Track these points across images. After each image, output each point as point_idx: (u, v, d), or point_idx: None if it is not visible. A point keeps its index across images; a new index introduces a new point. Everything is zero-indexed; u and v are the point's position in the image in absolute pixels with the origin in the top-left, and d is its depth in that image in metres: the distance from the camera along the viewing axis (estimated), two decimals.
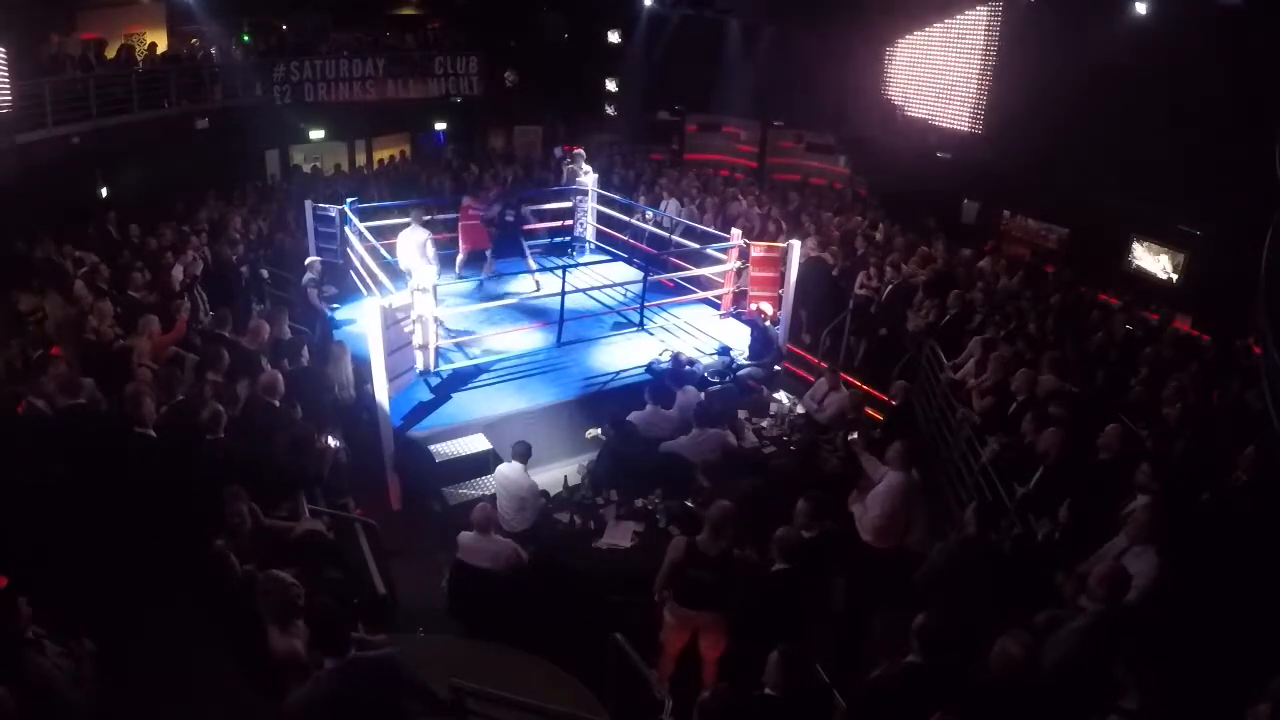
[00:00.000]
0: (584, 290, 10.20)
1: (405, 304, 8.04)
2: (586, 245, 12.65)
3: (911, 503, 5.77)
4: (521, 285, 10.64)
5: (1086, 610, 4.22)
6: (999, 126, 12.46)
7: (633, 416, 7.00)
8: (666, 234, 11.99)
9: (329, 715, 3.51)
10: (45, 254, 9.24)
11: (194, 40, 15.34)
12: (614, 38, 18.41)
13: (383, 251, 9.17)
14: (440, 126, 17.93)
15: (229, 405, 5.87)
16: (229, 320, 7.70)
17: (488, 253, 10.44)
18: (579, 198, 12.61)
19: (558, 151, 14.19)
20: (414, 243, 9.42)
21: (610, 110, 18.90)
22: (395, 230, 10.37)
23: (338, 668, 3.51)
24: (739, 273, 10.28)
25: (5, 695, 3.26)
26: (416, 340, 8.30)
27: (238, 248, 10.37)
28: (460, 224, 10.49)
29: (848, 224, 12.27)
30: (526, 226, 11.01)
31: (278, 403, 6.18)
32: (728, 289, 10.37)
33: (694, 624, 5.03)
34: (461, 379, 8.55)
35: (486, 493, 6.75)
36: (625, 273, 11.59)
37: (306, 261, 9.65)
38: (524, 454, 6.16)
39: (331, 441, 6.16)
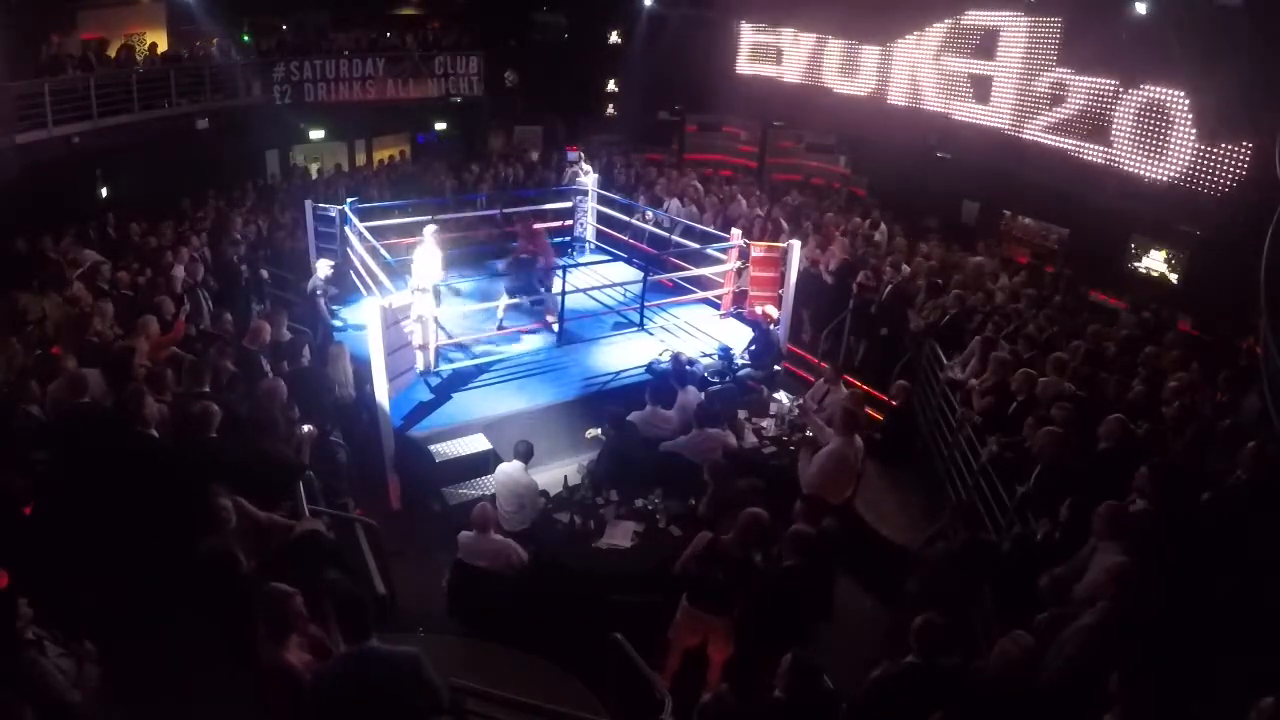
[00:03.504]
0: (584, 290, 10.20)
1: (405, 304, 8.04)
2: (586, 245, 12.66)
3: (851, 467, 6.17)
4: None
5: (1089, 609, 4.23)
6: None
7: (633, 416, 7.01)
8: (666, 234, 12.00)
9: (336, 696, 3.55)
10: (45, 254, 9.24)
11: (210, 40, 15.33)
12: (614, 38, 18.42)
13: (383, 251, 9.16)
14: (440, 126, 17.93)
15: (242, 403, 5.86)
16: (228, 322, 7.70)
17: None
18: (579, 198, 12.63)
19: (570, 155, 14.18)
20: (428, 259, 9.25)
21: (610, 110, 18.90)
22: (395, 230, 10.38)
23: (354, 653, 3.58)
24: (739, 273, 10.28)
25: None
26: (416, 340, 8.31)
27: (238, 248, 10.36)
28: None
29: (847, 224, 12.26)
30: None
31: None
32: (728, 289, 10.37)
33: (705, 627, 5.04)
34: (461, 379, 8.56)
35: (486, 493, 6.76)
36: (625, 273, 11.59)
37: (316, 264, 9.63)
38: (526, 454, 6.17)
39: (306, 428, 6.12)
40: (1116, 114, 10.64)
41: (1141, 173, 10.42)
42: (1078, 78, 11.14)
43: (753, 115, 16.65)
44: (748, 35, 16.43)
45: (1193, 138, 9.81)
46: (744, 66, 16.55)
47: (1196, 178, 9.86)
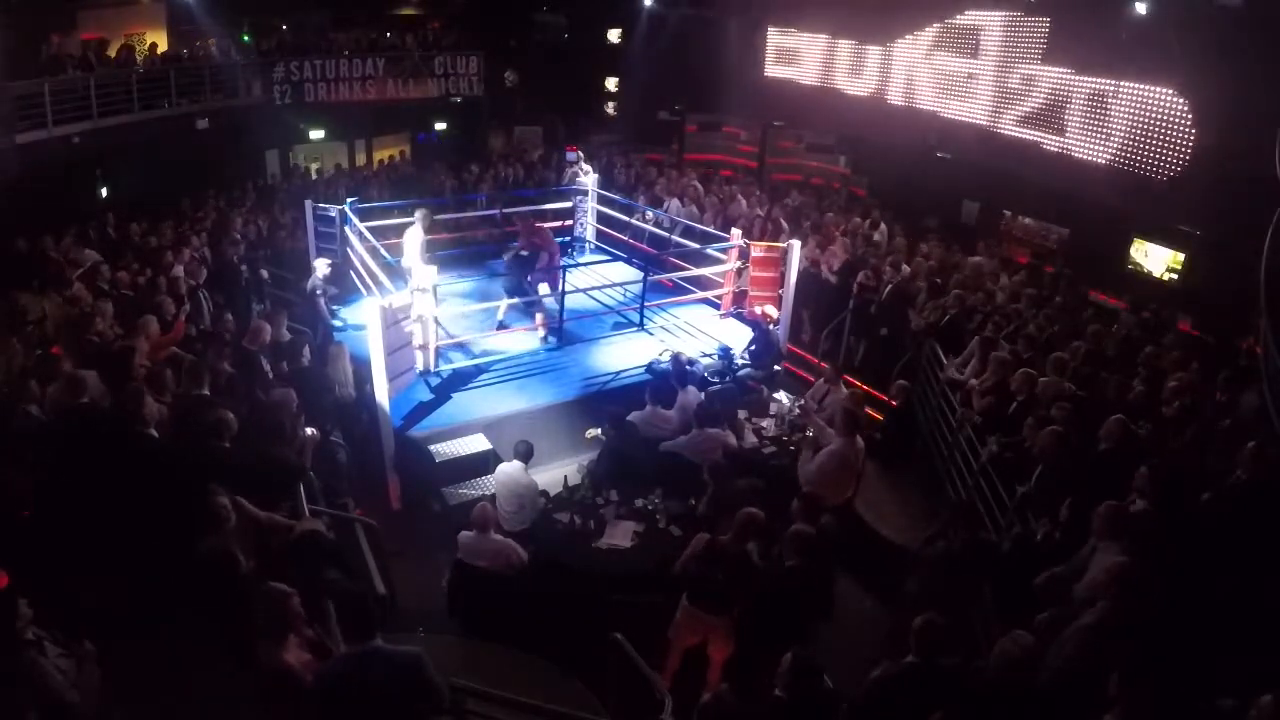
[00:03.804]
0: (584, 290, 10.20)
1: (405, 304, 8.04)
2: (586, 245, 12.66)
3: (852, 468, 6.20)
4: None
5: (1089, 609, 4.23)
6: None
7: (633, 416, 7.01)
8: (666, 234, 12.00)
9: (339, 695, 3.55)
10: (46, 253, 9.24)
11: (209, 40, 15.35)
12: (614, 38, 18.42)
13: (383, 251, 9.17)
14: (440, 126, 17.93)
15: (241, 405, 5.87)
16: (229, 322, 7.70)
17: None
18: (579, 198, 12.63)
19: (570, 155, 14.19)
20: (415, 241, 9.34)
21: (610, 110, 18.90)
22: (395, 230, 10.41)
23: (358, 653, 3.58)
24: (739, 273, 10.28)
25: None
26: (416, 340, 8.30)
27: (237, 247, 10.37)
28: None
29: (848, 224, 12.27)
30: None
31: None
32: (728, 289, 10.37)
33: (705, 626, 5.04)
34: (461, 379, 8.56)
35: (486, 493, 6.76)
36: (625, 273, 11.59)
37: (314, 264, 9.62)
38: (526, 454, 6.17)
39: (309, 430, 6.12)
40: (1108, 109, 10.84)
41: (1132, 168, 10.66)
42: (1068, 76, 11.30)
43: (762, 116, 16.55)
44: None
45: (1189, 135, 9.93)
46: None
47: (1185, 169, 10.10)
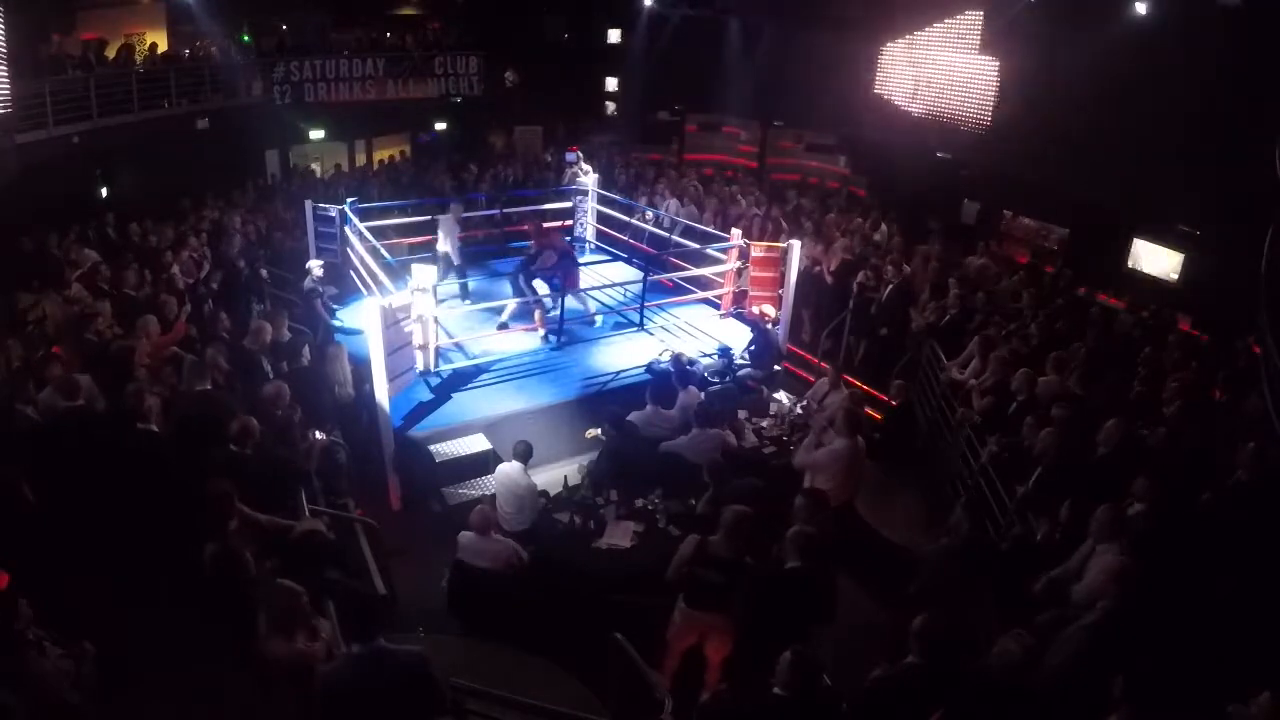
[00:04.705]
0: (584, 290, 10.20)
1: (405, 304, 8.04)
2: (586, 245, 12.66)
3: (851, 468, 6.22)
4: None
5: (1092, 609, 4.23)
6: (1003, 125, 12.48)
7: (633, 416, 7.00)
8: (666, 234, 11.99)
9: (343, 697, 3.56)
10: (46, 254, 9.24)
11: (204, 41, 15.35)
12: (614, 38, 18.41)
13: (383, 251, 9.16)
14: (440, 126, 17.93)
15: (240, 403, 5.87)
16: (225, 321, 7.71)
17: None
18: (579, 198, 12.63)
19: (570, 156, 14.19)
20: (444, 229, 10.24)
21: (610, 110, 18.89)
22: (395, 231, 10.44)
23: (361, 654, 3.58)
24: (739, 273, 10.28)
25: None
26: (416, 340, 8.30)
27: (233, 243, 10.36)
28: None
29: (848, 224, 12.26)
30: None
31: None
32: (728, 289, 10.37)
33: (702, 626, 5.03)
34: (461, 379, 8.55)
35: (486, 493, 6.76)
36: (625, 273, 11.59)
37: (308, 265, 9.63)
38: (525, 454, 6.16)
39: (318, 434, 6.11)
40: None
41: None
42: None
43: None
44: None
45: None
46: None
47: None
